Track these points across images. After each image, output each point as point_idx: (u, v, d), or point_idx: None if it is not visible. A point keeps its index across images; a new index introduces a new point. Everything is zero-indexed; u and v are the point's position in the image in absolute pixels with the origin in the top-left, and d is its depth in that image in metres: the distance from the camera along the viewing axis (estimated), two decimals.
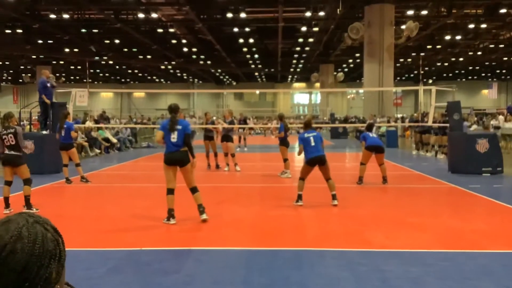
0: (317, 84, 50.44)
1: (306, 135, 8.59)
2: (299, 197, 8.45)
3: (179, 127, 7.02)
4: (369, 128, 11.81)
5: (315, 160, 8.39)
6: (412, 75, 61.27)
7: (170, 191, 7.05)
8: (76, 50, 39.83)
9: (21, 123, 17.52)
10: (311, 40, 37.09)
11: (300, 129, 36.77)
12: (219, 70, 55.83)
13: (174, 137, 6.97)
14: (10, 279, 1.00)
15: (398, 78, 57.12)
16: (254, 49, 41.65)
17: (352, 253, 5.53)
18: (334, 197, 8.43)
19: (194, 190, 7.12)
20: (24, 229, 1.05)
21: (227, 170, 13.75)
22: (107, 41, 37.01)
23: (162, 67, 51.74)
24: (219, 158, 14.38)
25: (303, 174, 8.56)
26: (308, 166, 8.49)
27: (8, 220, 1.08)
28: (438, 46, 39.96)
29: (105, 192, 10.48)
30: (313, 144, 8.44)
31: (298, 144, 8.83)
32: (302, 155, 8.83)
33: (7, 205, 7.89)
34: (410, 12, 27.88)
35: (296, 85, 69.82)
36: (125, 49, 41.23)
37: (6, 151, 7.98)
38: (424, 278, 4.69)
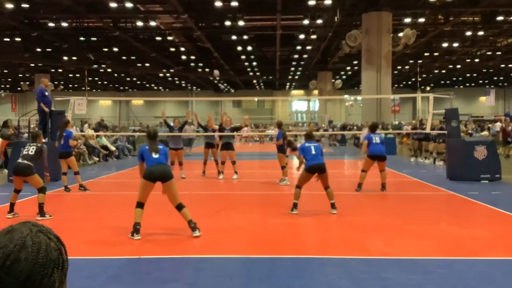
0: (315, 92, 50.56)
1: (307, 144, 8.59)
2: (295, 205, 8.39)
3: (160, 146, 6.89)
4: (373, 129, 11.40)
5: (315, 167, 8.34)
6: (410, 82, 61.49)
7: (140, 205, 6.70)
8: (74, 58, 39.92)
9: (20, 131, 17.49)
10: (309, 47, 37.24)
11: (299, 136, 36.80)
12: (218, 78, 55.91)
13: (155, 154, 6.78)
14: None
15: (396, 85, 57.28)
16: (252, 56, 41.80)
17: (352, 261, 5.52)
18: (333, 206, 8.40)
19: (180, 207, 6.69)
20: (28, 239, 1.05)
21: (221, 178, 13.68)
22: (106, 49, 37.09)
23: (161, 74, 51.84)
24: (211, 165, 14.38)
25: (301, 182, 8.49)
26: (308, 173, 8.43)
27: (12, 229, 1.08)
28: (436, 54, 40.14)
29: (104, 200, 10.45)
30: (313, 152, 8.42)
31: (298, 155, 8.70)
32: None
33: (11, 210, 8.18)
34: (408, 20, 28.02)
35: (294, 92, 69.98)
36: (124, 57, 41.31)
37: (20, 160, 8.15)
38: (424, 286, 4.68)
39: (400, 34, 25.73)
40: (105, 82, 60.12)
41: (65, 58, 39.69)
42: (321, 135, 30.07)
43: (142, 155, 6.90)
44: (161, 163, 6.76)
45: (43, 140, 8.96)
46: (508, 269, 5.23)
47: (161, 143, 7.07)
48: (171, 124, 14.52)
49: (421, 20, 28.12)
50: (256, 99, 68.51)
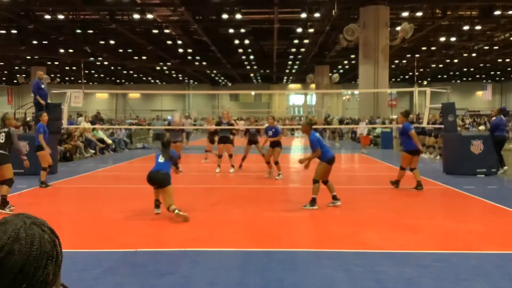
0: (313, 85, 50.51)
1: (317, 134, 8.39)
2: (315, 201, 8.19)
3: (170, 153, 7.80)
4: (408, 115, 10.83)
5: (333, 158, 8.32)
6: (407, 77, 61.48)
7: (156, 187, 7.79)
8: (71, 50, 39.73)
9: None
10: (306, 41, 37.14)
11: (294, 130, 36.42)
12: (215, 71, 55.80)
13: (162, 158, 7.67)
14: (7, 281, 1.00)
15: (393, 79, 57.31)
16: (249, 50, 41.67)
17: (347, 254, 5.54)
18: (335, 197, 8.36)
19: (169, 207, 7.29)
20: (22, 231, 1.05)
21: (218, 171, 13.64)
22: (102, 42, 36.92)
23: (158, 68, 51.67)
24: (213, 159, 14.37)
25: (322, 175, 8.24)
26: (329, 165, 8.28)
27: (6, 221, 1.08)
28: (433, 48, 40.11)
29: (99, 194, 10.44)
30: (325, 143, 8.38)
31: (315, 147, 8.18)
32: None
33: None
34: (405, 14, 27.97)
35: (292, 86, 69.89)
36: (120, 50, 41.15)
37: None
38: (418, 279, 4.71)
39: (398, 28, 25.72)
40: (102, 75, 59.92)
41: (62, 50, 39.50)
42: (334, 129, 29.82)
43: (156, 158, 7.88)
44: (160, 170, 7.53)
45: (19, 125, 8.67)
46: (502, 263, 5.26)
47: (172, 150, 8.01)
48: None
49: (419, 14, 28.07)
50: (253, 92, 68.36)
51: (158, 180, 7.43)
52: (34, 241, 1.05)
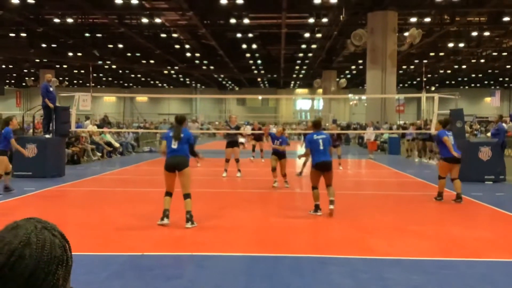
0: (320, 90, 50.48)
1: (315, 136, 8.18)
2: (317, 207, 8.14)
3: (182, 135, 7.25)
4: (446, 124, 10.23)
5: (322, 164, 8.06)
6: (414, 82, 61.28)
7: (168, 194, 7.28)
8: (79, 54, 40.00)
9: (25, 126, 17.50)
10: (314, 46, 37.17)
11: (301, 135, 36.23)
12: (222, 76, 55.91)
13: (175, 143, 7.21)
14: (18, 285, 1.00)
15: (401, 85, 57.10)
16: (257, 54, 41.75)
17: (354, 260, 5.52)
18: (332, 202, 8.15)
19: (186, 196, 7.15)
20: (33, 235, 1.05)
21: (224, 176, 13.62)
22: (111, 46, 37.14)
23: (165, 72, 51.87)
24: (220, 163, 14.37)
25: (314, 181, 8.20)
26: (317, 171, 8.15)
27: (17, 225, 1.08)
28: (441, 54, 40.00)
29: (107, 197, 10.47)
30: (321, 147, 8.08)
31: (305, 147, 8.32)
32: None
33: None
34: (413, 19, 27.94)
35: (299, 91, 69.86)
36: (129, 54, 41.37)
37: None
38: (425, 286, 4.68)
39: (406, 34, 25.67)
40: (110, 79, 60.22)
41: (70, 54, 39.78)
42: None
43: (166, 139, 7.43)
44: (177, 155, 7.17)
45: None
46: (509, 271, 5.22)
47: (186, 129, 7.53)
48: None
49: (427, 19, 28.04)
50: (260, 97, 68.41)
51: (178, 163, 7.14)
52: (45, 246, 1.05)
